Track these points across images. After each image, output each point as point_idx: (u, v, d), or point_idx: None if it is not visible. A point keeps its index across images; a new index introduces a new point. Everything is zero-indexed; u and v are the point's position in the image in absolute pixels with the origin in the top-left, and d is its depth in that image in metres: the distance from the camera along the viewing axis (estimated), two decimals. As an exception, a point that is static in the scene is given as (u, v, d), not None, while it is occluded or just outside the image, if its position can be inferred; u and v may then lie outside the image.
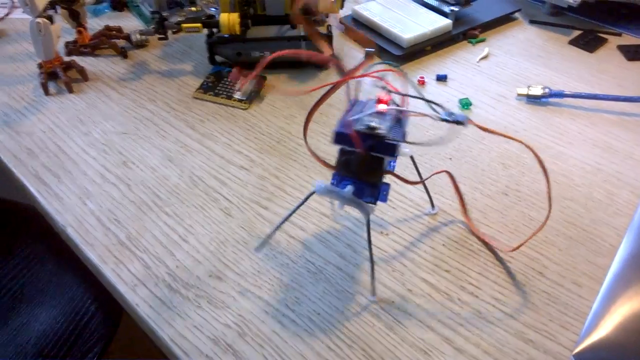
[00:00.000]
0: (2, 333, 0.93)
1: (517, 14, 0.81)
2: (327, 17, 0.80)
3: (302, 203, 0.44)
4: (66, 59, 0.72)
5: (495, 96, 0.66)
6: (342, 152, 0.41)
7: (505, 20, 0.79)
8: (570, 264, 0.48)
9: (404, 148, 0.45)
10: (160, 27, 0.69)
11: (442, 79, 0.69)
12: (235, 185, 0.56)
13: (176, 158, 0.59)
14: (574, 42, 0.74)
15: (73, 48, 0.75)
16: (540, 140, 0.60)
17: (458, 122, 0.40)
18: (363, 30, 0.76)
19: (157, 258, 0.49)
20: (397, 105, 0.41)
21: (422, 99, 0.41)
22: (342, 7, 0.71)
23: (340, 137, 0.40)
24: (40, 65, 0.70)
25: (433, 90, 0.68)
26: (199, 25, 0.68)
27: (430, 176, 0.53)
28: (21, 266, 0.95)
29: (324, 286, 0.46)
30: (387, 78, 0.42)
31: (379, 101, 0.41)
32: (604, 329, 0.41)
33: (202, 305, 0.45)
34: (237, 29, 0.67)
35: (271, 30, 0.71)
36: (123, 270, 0.48)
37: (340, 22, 0.80)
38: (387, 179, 0.42)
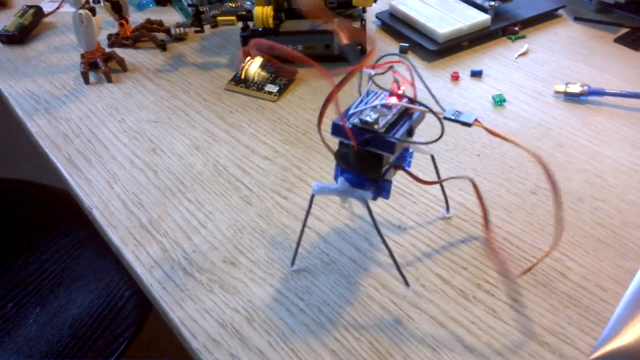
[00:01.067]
0: (41, 314, 0.97)
1: (561, 11, 0.78)
2: (364, 11, 0.80)
3: (309, 209, 0.43)
4: (107, 50, 0.74)
5: (532, 93, 0.64)
6: (341, 144, 0.40)
7: (548, 17, 0.77)
8: (596, 266, 0.45)
9: (424, 147, 0.44)
10: (197, 20, 0.70)
11: (477, 74, 0.67)
12: (257, 174, 0.56)
13: (203, 147, 0.60)
14: (619, 40, 0.71)
15: (115, 40, 0.78)
16: (576, 138, 0.57)
17: (464, 123, 0.39)
18: (400, 25, 0.75)
19: (175, 242, 0.50)
20: (410, 100, 0.41)
21: (429, 92, 0.40)
22: (375, 0, 0.70)
23: (336, 129, 0.39)
24: (82, 56, 0.72)
25: (467, 85, 0.66)
26: (233, 18, 0.69)
27: (447, 179, 0.51)
28: (63, 251, 0.99)
29: (336, 277, 0.46)
30: (401, 71, 0.41)
31: (391, 94, 0.40)
32: (625, 337, 0.39)
33: (214, 290, 0.45)
34: (271, 22, 0.68)
35: (304, 24, 0.71)
36: (142, 252, 0.49)
37: (376, 17, 0.79)
38: (399, 175, 0.41)
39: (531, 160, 0.55)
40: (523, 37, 0.73)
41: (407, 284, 0.43)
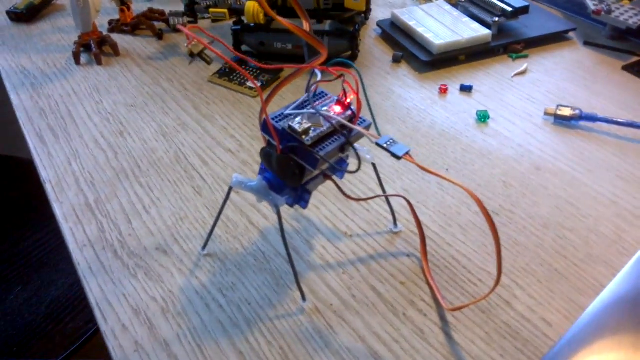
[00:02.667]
0: (22, 292, 0.97)
1: (571, 34, 0.74)
2: (366, 17, 0.78)
3: (226, 200, 0.41)
4: (105, 34, 0.75)
5: (520, 113, 0.60)
6: (268, 143, 0.38)
7: (556, 38, 0.73)
8: (546, 298, 0.41)
9: (365, 154, 0.41)
10: (190, 10, 0.70)
11: (466, 89, 0.64)
12: (216, 166, 0.54)
13: (170, 134, 0.59)
14: (627, 68, 0.66)
15: (115, 25, 0.78)
16: (556, 163, 0.53)
17: (393, 154, 0.36)
18: (398, 34, 0.73)
19: (114, 224, 0.48)
20: (352, 114, 0.38)
21: (370, 111, 0.38)
22: (367, 5, 0.68)
23: (265, 127, 0.36)
24: (79, 37, 0.73)
25: (453, 99, 0.63)
26: (224, 11, 0.68)
27: (381, 196, 0.48)
28: (55, 233, 1.00)
29: (266, 277, 0.43)
30: (349, 79, 0.38)
31: (337, 102, 0.38)
32: (555, 375, 0.35)
33: (138, 276, 0.44)
34: (261, 18, 0.66)
35: (297, 23, 0.69)
36: (79, 230, 0.48)
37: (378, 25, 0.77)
38: (358, 181, 0.39)
39: (502, 180, 0.52)
40: (525, 56, 0.69)
41: (303, 298, 0.41)
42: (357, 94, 0.37)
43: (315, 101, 0.39)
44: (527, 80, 0.66)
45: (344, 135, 0.37)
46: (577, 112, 0.57)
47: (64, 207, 0.50)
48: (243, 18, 0.70)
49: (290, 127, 0.36)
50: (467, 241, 0.46)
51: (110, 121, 0.61)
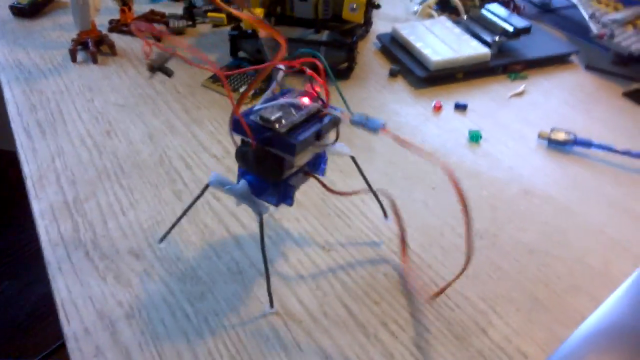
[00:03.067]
0: (9, 287, 0.96)
1: (573, 57, 0.72)
2: (366, 30, 0.77)
3: (199, 196, 0.41)
4: (103, 33, 0.74)
5: (514, 135, 0.59)
6: (242, 142, 0.37)
7: (557, 61, 0.71)
8: (524, 328, 0.40)
9: (342, 148, 0.41)
10: (188, 13, 0.70)
11: (460, 107, 0.62)
12: (199, 171, 0.53)
13: (156, 136, 0.58)
14: (628, 95, 0.65)
15: (114, 25, 0.78)
16: (547, 188, 0.52)
17: (370, 129, 0.35)
18: (397, 49, 0.72)
19: (89, 224, 0.47)
20: (322, 103, 0.37)
21: (340, 95, 0.37)
22: (365, 17, 0.67)
23: (236, 125, 0.36)
24: (77, 35, 0.73)
25: (447, 117, 0.62)
26: (222, 15, 0.68)
27: (360, 191, 0.46)
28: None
29: (237, 288, 0.42)
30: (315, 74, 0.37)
31: (304, 94, 0.37)
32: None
33: (107, 279, 0.43)
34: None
35: (295, 32, 0.69)
36: (54, 228, 0.47)
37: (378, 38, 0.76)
38: (307, 199, 0.38)
39: (490, 204, 0.50)
40: (524, 77, 0.68)
41: (271, 305, 0.39)
42: (324, 82, 0.36)
43: (282, 96, 0.38)
44: (524, 101, 0.65)
45: (318, 122, 0.37)
46: (572, 136, 0.56)
47: (42, 204, 0.49)
48: (242, 24, 0.70)
49: (261, 117, 0.35)
50: (447, 263, 0.44)
51: (99, 120, 0.60)
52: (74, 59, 0.71)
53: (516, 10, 0.80)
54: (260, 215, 0.37)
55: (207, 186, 0.39)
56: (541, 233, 0.47)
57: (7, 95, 0.64)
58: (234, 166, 0.54)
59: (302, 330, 0.39)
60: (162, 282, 0.43)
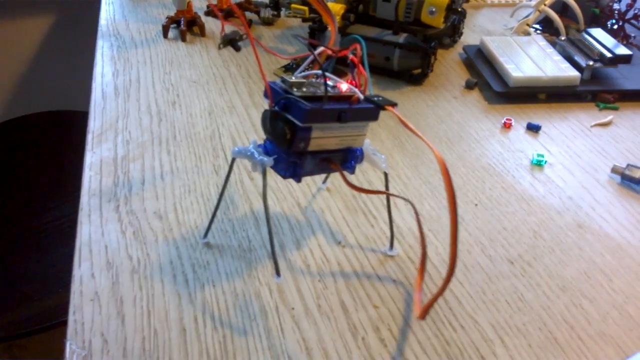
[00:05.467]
0: (42, 262, 1.02)
1: (680, 94, 0.64)
2: (454, 41, 0.74)
3: (229, 172, 0.40)
4: (198, 15, 0.78)
5: (585, 165, 0.53)
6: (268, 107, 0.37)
7: (659, 96, 0.64)
8: (530, 366, 0.35)
9: (381, 163, 0.39)
10: (274, 3, 0.71)
11: (533, 128, 0.58)
12: (243, 151, 0.54)
13: (215, 113, 0.59)
14: None
15: (211, 10, 0.82)
16: (604, 225, 0.46)
17: (376, 104, 0.35)
18: (480, 62, 0.68)
19: (127, 180, 0.50)
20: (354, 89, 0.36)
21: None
22: (453, 26, 0.65)
23: (266, 91, 0.36)
24: (174, 14, 0.77)
25: (515, 136, 0.57)
26: (305, 8, 0.68)
27: (384, 193, 0.43)
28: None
29: (241, 265, 0.42)
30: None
31: (343, 80, 0.36)
32: None
33: (126, 233, 0.44)
34: (337, 20, 0.66)
35: (372, 32, 0.67)
36: (96, 180, 0.50)
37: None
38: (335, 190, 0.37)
39: (534, 230, 0.46)
40: (615, 108, 0.62)
41: (277, 274, 0.38)
42: (362, 67, 0.36)
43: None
44: (607, 133, 0.58)
45: (347, 104, 0.36)
46: (650, 175, 0.49)
47: (94, 157, 0.52)
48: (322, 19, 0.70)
49: (282, 79, 0.35)
50: (466, 283, 0.41)
51: (169, 91, 0.63)
52: (165, 35, 0.75)
53: (625, 39, 0.73)
54: (263, 167, 0.36)
55: (233, 160, 0.39)
56: (583, 271, 0.42)
57: (98, 58, 0.69)
58: (277, 151, 0.54)
59: (291, 317, 0.38)
60: (174, 245, 0.43)
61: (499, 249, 0.44)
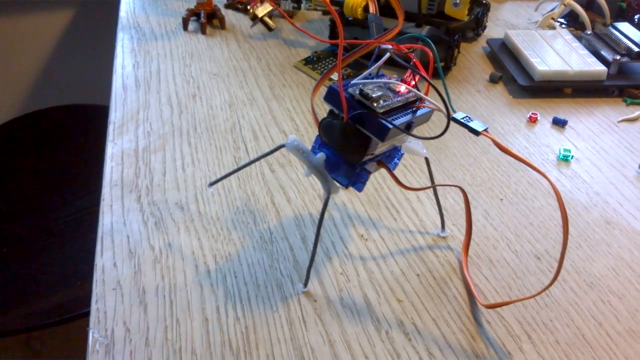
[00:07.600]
0: (60, 255, 1.02)
1: None
2: (477, 34, 0.73)
3: (268, 153, 0.40)
4: (218, 7, 0.78)
5: (612, 161, 0.52)
6: (330, 113, 0.35)
7: (689, 91, 0.62)
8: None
9: (420, 149, 0.38)
10: (294, -5, 0.71)
11: (559, 123, 0.57)
12: (264, 143, 0.54)
13: (236, 105, 0.59)
14: None
15: (231, 3, 0.81)
16: (632, 221, 0.45)
17: (471, 129, 0.33)
18: (505, 56, 0.67)
19: (150, 173, 0.49)
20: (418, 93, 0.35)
21: (445, 90, 0.34)
22: (477, 20, 0.64)
23: (331, 94, 0.34)
24: (195, 6, 0.77)
25: (540, 131, 0.56)
26: (326, 1, 0.68)
27: (431, 186, 0.42)
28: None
29: (263, 257, 0.42)
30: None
31: (402, 81, 0.35)
32: None
33: (148, 223, 0.44)
34: (359, 12, 0.65)
35: (394, 24, 0.66)
36: (118, 171, 0.50)
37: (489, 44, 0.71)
38: (394, 186, 0.36)
39: (559, 226, 0.45)
40: (643, 103, 0.60)
41: (305, 284, 0.37)
42: (430, 73, 0.35)
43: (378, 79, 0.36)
44: (635, 128, 0.57)
45: (411, 112, 0.35)
46: (681, 172, 0.48)
47: (115, 149, 0.52)
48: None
49: (362, 92, 0.33)
50: (491, 278, 0.40)
51: (190, 84, 0.63)
52: (185, 27, 0.75)
53: (654, 32, 0.71)
54: (328, 193, 0.36)
55: (280, 147, 0.37)
56: (611, 267, 0.41)
57: (118, 50, 0.69)
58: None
59: (313, 309, 0.38)
60: (196, 236, 0.43)
61: (525, 244, 0.43)
